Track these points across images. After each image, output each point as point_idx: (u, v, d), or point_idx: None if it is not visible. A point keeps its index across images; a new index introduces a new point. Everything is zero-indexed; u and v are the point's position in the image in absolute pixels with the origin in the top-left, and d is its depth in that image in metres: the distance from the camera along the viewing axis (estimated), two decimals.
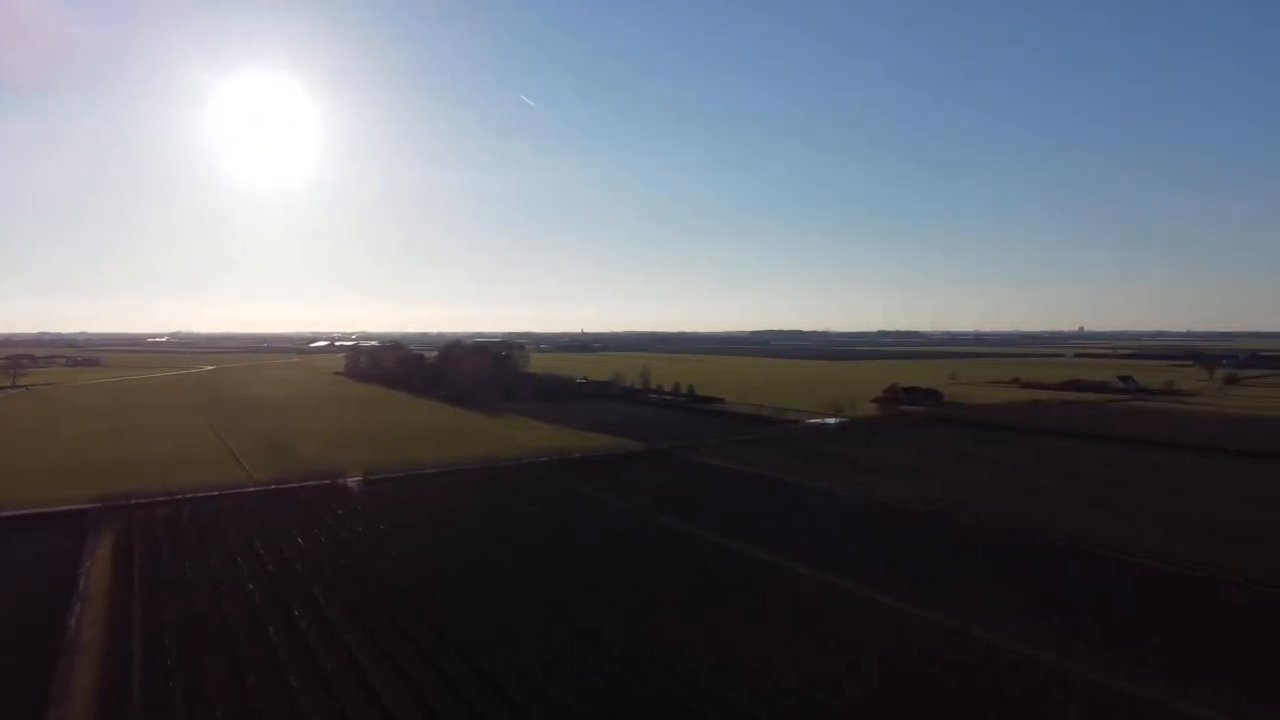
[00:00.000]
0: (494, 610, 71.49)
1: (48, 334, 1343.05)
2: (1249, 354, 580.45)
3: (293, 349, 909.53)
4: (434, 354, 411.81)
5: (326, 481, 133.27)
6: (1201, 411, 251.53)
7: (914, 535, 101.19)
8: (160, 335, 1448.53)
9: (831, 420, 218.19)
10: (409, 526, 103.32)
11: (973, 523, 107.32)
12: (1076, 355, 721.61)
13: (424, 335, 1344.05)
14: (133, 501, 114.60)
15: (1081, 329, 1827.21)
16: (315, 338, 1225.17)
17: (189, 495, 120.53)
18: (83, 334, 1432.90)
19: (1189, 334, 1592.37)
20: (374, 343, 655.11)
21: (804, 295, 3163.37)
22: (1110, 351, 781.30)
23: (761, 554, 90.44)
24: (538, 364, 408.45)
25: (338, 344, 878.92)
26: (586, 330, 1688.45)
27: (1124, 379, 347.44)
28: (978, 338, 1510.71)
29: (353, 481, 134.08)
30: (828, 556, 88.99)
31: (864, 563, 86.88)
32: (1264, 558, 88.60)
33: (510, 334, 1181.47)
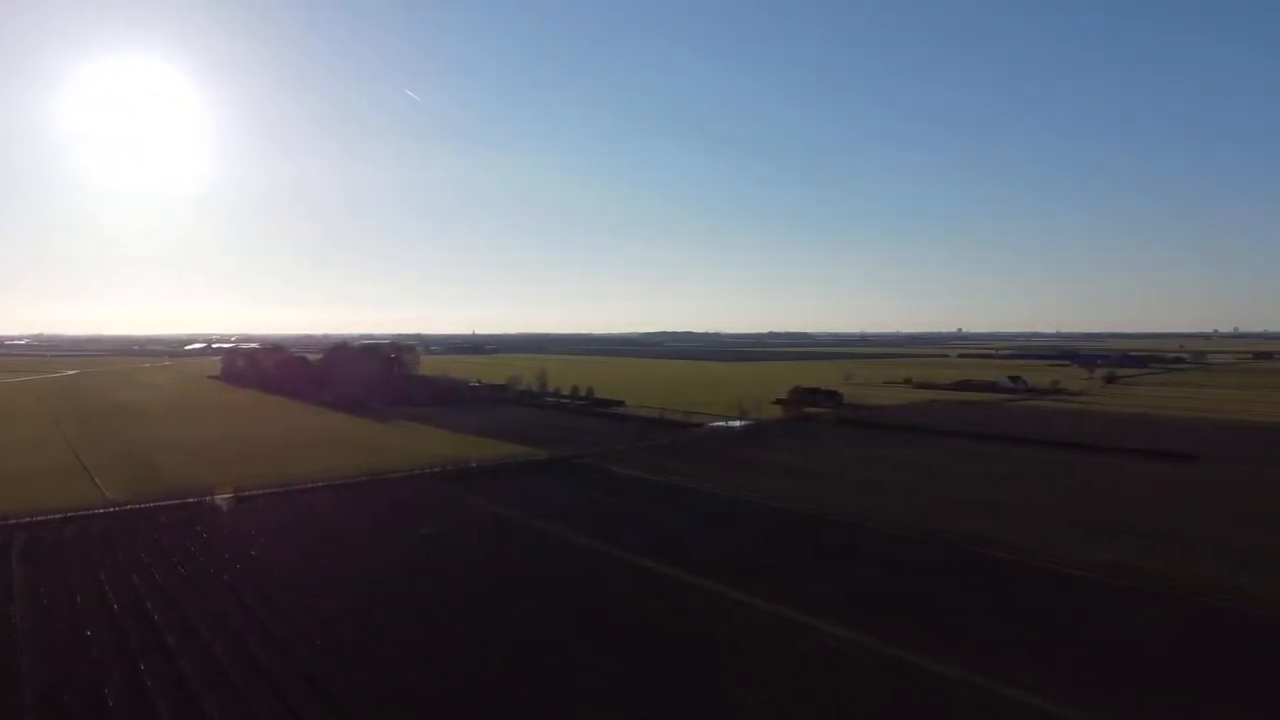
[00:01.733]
0: (382, 668, 61.11)
1: None
2: (1120, 354, 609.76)
3: (166, 352, 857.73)
4: (318, 356, 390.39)
5: (192, 500, 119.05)
6: (1097, 410, 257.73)
7: (829, 544, 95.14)
8: (20, 338, 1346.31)
9: (737, 423, 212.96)
10: (286, 550, 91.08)
11: (898, 531, 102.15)
12: (960, 355, 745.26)
13: (308, 337, 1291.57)
14: None
15: (960, 330, 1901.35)
16: (191, 340, 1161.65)
17: (26, 520, 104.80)
18: None
19: (1059, 335, 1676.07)
20: (254, 345, 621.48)
21: (696, 297, 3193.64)
22: (992, 352, 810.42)
23: (694, 579, 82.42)
24: (429, 366, 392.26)
25: (215, 346, 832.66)
26: (478, 331, 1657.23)
27: (1013, 378, 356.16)
28: (864, 338, 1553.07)
29: (223, 500, 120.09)
30: (768, 578, 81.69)
31: (808, 580, 79.95)
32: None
33: (399, 335, 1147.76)
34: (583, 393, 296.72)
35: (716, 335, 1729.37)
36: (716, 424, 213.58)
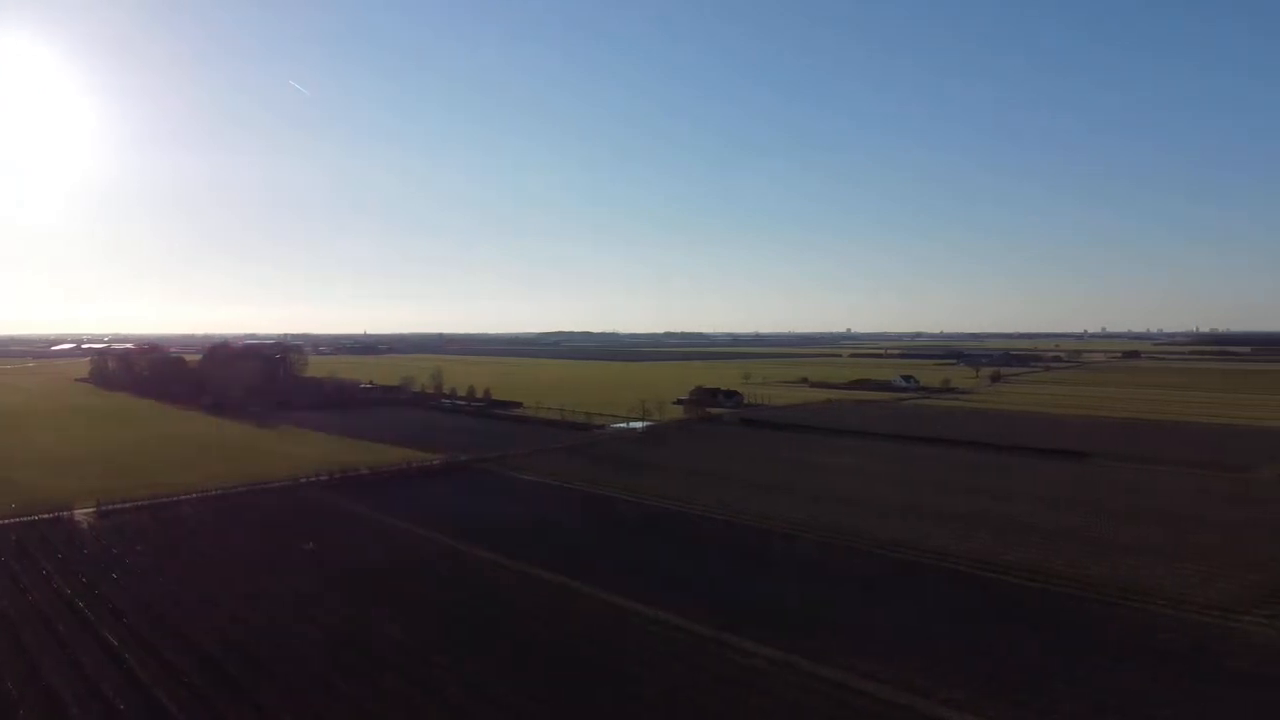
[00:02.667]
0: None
1: None
2: (1002, 353, 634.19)
3: (29, 353, 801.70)
4: (197, 357, 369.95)
5: (48, 516, 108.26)
6: (988, 408, 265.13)
7: (777, 560, 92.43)
8: None
9: (639, 424, 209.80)
10: (149, 577, 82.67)
11: (817, 538, 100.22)
12: (852, 355, 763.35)
13: (189, 337, 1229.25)
14: None
15: (849, 331, 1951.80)
16: (60, 340, 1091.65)
17: None
18: None
19: (942, 335, 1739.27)
20: (128, 345, 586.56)
21: (593, 297, 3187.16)
22: (882, 352, 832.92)
23: (603, 594, 78.08)
24: (318, 368, 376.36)
25: (85, 347, 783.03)
26: (371, 332, 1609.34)
27: (906, 378, 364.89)
28: (758, 338, 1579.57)
29: (83, 515, 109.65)
30: (696, 598, 78.01)
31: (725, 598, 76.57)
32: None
33: (286, 335, 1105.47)
34: (480, 394, 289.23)
35: (614, 335, 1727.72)
36: (618, 425, 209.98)
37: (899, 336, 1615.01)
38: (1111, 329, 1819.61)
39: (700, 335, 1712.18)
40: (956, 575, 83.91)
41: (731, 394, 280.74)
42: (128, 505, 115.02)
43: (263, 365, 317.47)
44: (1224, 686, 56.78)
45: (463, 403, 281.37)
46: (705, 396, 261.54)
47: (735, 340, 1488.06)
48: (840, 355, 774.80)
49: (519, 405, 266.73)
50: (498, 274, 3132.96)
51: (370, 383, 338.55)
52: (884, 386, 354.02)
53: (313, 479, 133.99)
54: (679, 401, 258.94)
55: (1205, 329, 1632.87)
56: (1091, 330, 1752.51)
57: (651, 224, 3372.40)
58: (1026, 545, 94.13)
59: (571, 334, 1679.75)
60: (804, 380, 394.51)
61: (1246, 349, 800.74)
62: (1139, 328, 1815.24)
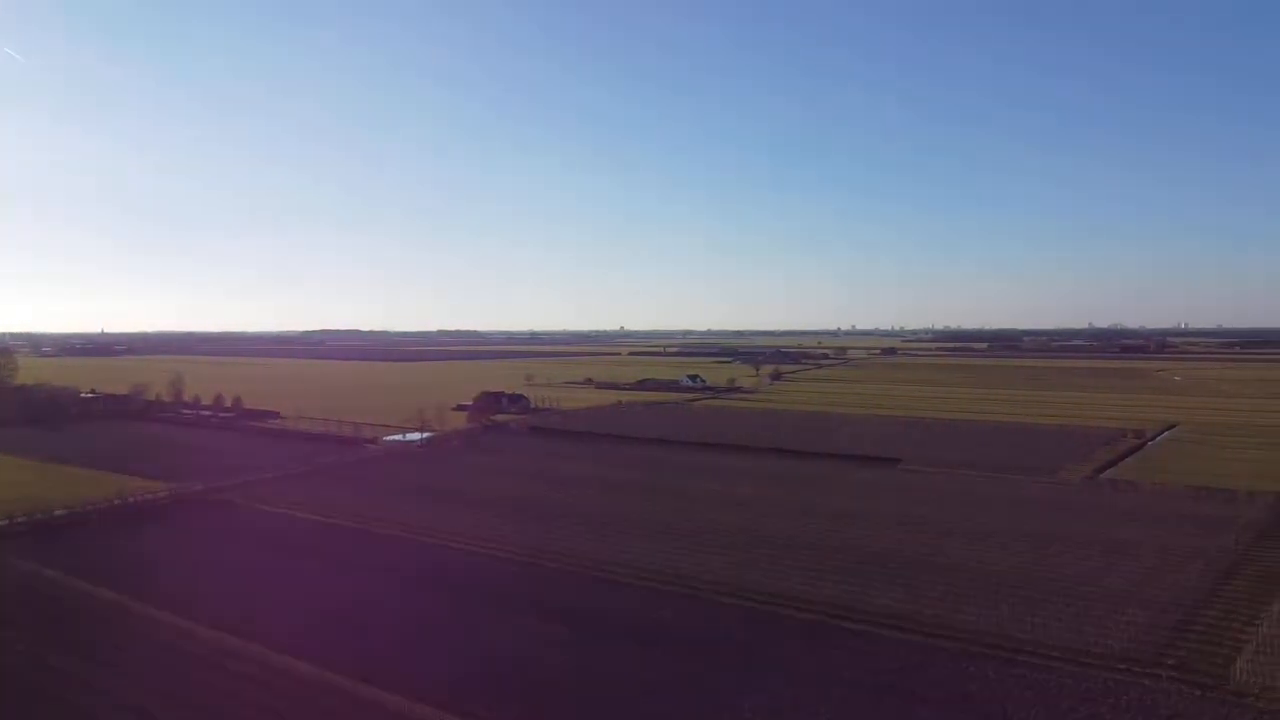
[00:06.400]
0: None
1: None
2: (774, 350, 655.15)
3: None
4: None
5: None
6: (780, 409, 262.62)
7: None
8: None
9: (418, 435, 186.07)
10: None
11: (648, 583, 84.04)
12: (631, 354, 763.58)
13: None
14: None
15: (623, 328, 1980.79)
16: None
17: None
18: None
19: (710, 332, 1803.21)
20: None
21: (359, 294, 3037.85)
22: (660, 350, 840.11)
23: (376, 693, 57.47)
24: (33, 372, 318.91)
25: None
26: (109, 330, 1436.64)
27: (692, 377, 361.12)
28: (534, 336, 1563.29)
29: None
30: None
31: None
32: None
33: (4, 335, 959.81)
34: (230, 403, 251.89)
35: (385, 333, 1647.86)
36: (394, 437, 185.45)
37: (671, 334, 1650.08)
38: (861, 326, 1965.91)
39: (474, 333, 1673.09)
40: (824, 631, 70.54)
41: (517, 398, 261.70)
42: None
43: None
44: None
45: (208, 413, 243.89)
46: (490, 402, 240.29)
47: (511, 339, 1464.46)
48: (619, 354, 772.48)
49: (276, 415, 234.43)
50: (250, 267, 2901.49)
51: (93, 391, 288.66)
52: (671, 386, 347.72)
53: None
54: (460, 407, 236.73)
55: (939, 326, 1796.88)
56: (844, 328, 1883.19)
57: (420, 219, 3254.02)
58: (890, 583, 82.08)
59: (339, 332, 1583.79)
60: (589, 381, 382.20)
61: (984, 345, 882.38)
62: (884, 326, 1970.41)
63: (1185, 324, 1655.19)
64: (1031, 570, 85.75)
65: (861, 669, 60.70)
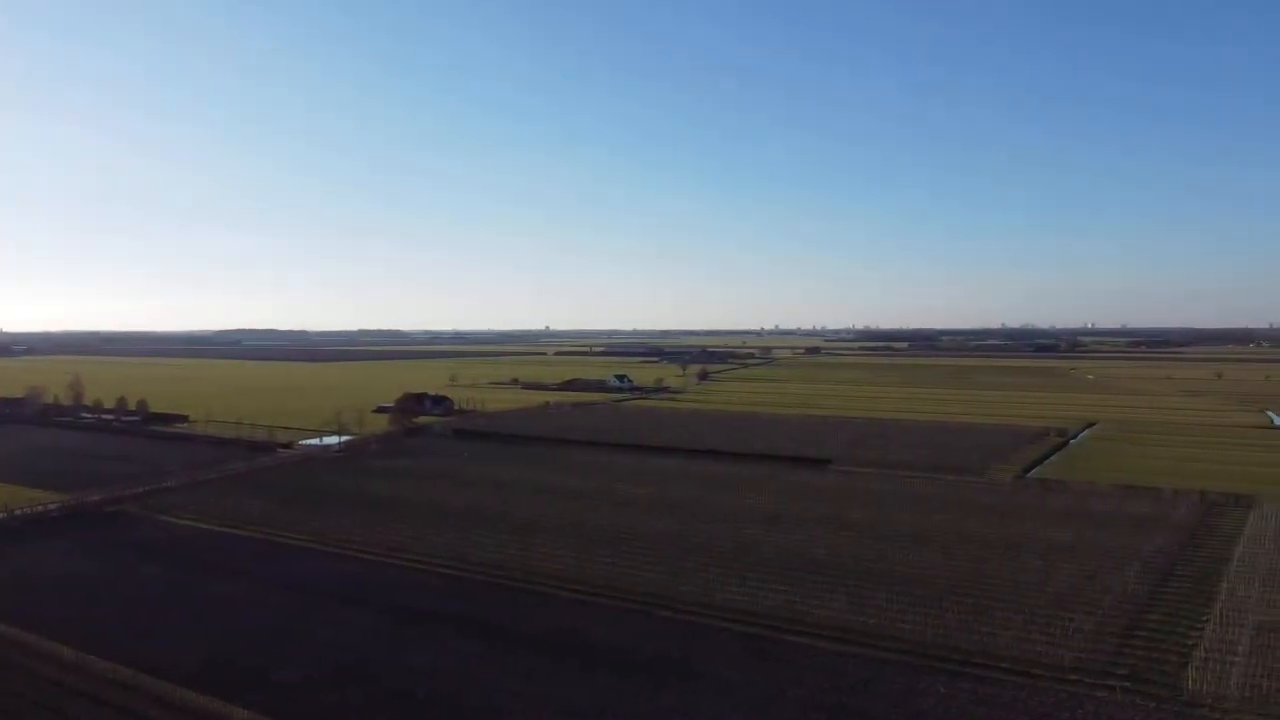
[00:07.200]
0: None
1: None
2: (700, 350, 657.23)
3: None
4: None
5: None
6: (710, 410, 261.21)
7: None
8: None
9: (335, 439, 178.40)
10: None
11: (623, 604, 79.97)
12: (558, 354, 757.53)
13: None
14: None
15: (548, 328, 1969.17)
16: None
17: None
18: None
19: (635, 332, 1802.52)
20: None
21: (277, 292, 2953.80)
22: (586, 350, 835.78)
23: None
24: None
25: None
26: (8, 330, 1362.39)
27: (620, 377, 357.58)
28: (457, 336, 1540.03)
29: None
30: None
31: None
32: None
33: None
34: (134, 406, 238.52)
35: (303, 333, 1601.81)
36: (310, 442, 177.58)
37: (596, 334, 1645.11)
38: (784, 326, 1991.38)
39: (397, 333, 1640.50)
40: (766, 645, 67.68)
41: (440, 399, 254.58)
42: None
43: None
44: None
45: (110, 418, 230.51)
46: (412, 404, 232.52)
47: (434, 338, 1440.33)
48: (545, 354, 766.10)
49: (184, 419, 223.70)
50: (157, 266, 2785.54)
51: None
52: (599, 387, 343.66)
53: None
54: (381, 409, 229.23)
55: (860, 326, 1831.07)
56: (767, 328, 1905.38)
57: (337, 217, 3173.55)
58: (831, 591, 79.56)
59: (254, 332, 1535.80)
60: (515, 381, 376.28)
61: (904, 345, 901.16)
62: (806, 325, 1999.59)
63: (1092, 324, 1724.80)
64: (973, 575, 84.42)
65: (808, 686, 57.72)
